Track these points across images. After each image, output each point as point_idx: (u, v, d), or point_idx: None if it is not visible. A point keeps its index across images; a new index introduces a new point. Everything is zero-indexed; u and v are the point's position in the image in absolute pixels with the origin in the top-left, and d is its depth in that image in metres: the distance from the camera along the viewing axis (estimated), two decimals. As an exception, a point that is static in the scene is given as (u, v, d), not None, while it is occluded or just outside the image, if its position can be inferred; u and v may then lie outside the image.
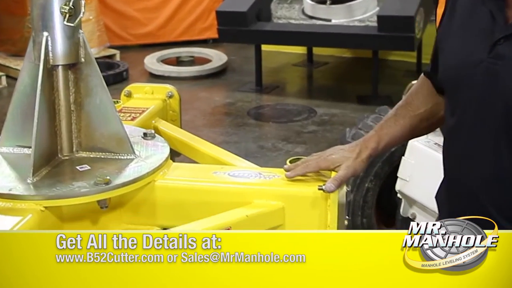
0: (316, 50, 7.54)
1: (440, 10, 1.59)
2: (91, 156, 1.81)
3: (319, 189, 1.66)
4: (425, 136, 2.99)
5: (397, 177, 3.11)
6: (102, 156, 1.81)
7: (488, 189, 1.48)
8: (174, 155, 2.11)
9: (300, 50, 7.66)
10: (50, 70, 1.73)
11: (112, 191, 1.65)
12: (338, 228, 1.67)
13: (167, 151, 1.84)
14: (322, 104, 6.26)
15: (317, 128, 5.72)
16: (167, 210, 1.75)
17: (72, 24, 1.70)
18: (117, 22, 7.97)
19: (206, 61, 7.48)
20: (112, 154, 1.80)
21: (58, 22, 1.70)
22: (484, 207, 1.48)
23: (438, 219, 1.63)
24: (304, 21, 6.37)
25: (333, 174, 1.69)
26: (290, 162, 1.79)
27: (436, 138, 2.99)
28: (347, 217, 1.70)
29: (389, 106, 3.52)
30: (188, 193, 1.75)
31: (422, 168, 2.97)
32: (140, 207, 1.75)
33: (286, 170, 1.74)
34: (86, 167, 1.75)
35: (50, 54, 1.72)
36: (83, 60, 1.77)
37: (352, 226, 3.28)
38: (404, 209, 3.11)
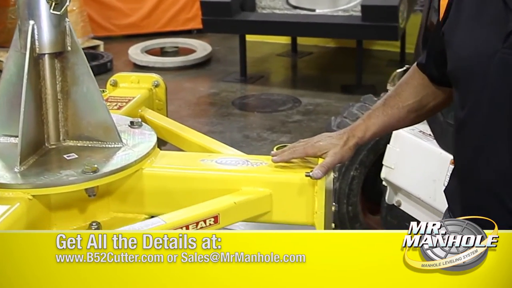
0: (300, 40, 7.54)
1: (444, 1, 1.55)
2: (78, 144, 1.81)
3: (306, 175, 1.67)
4: (410, 124, 3.01)
5: (381, 165, 3.13)
6: (89, 145, 1.81)
7: (505, 181, 1.46)
8: (161, 144, 2.11)
9: (284, 40, 7.67)
10: (36, 59, 1.73)
11: (100, 179, 1.65)
12: (325, 214, 1.68)
13: (154, 139, 1.84)
14: (306, 94, 6.27)
15: (301, 117, 5.73)
16: (155, 198, 1.75)
17: (58, 13, 1.70)
18: (100, 12, 7.94)
19: (190, 51, 7.47)
20: (99, 142, 1.80)
21: (44, 10, 1.70)
22: (502, 199, 1.46)
23: (448, 213, 1.64)
24: (288, 11, 6.37)
25: (320, 161, 1.70)
26: (277, 149, 1.80)
27: (420, 126, 3.01)
28: (334, 203, 1.71)
29: (373, 95, 3.54)
30: (176, 181, 1.75)
31: (407, 155, 3.00)
32: (127, 195, 1.75)
33: (273, 156, 1.75)
34: (74, 155, 1.75)
35: (36, 43, 1.71)
36: (69, 48, 1.76)
37: (338, 214, 3.30)
38: (389, 197, 3.13)
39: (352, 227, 3.35)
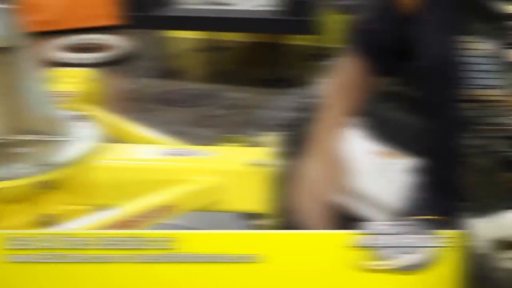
0: (218, 35, 7.58)
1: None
2: (26, 138, 1.81)
3: (254, 164, 1.73)
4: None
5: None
6: (37, 139, 1.80)
7: None
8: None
9: (201, 35, 7.68)
10: (-18, 54, 1.72)
11: (53, 172, 1.66)
12: (275, 202, 1.74)
13: (101, 132, 1.86)
14: (226, 88, 6.32)
15: (224, 112, 5.78)
16: (106, 189, 1.77)
17: (4, 6, 1.69)
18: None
19: (107, 48, 7.40)
20: (47, 136, 1.81)
21: (-10, 4, 1.69)
22: None
23: None
24: (206, 6, 6.41)
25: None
26: (223, 140, 1.85)
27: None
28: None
29: (292, 88, 3.60)
30: (127, 172, 1.77)
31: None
32: (78, 187, 1.76)
33: None
34: (23, 149, 1.74)
35: (-18, 37, 1.70)
36: (15, 43, 1.76)
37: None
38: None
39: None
